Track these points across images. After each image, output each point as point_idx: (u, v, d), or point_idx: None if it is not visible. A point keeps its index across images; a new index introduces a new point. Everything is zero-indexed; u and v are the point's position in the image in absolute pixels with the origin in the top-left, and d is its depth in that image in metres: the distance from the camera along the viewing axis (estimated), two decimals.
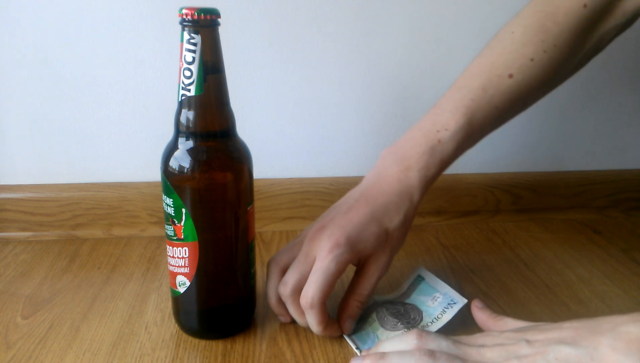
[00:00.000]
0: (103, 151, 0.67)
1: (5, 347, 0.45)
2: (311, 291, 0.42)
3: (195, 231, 0.42)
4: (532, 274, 0.59)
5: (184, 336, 0.47)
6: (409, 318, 0.47)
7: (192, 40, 0.40)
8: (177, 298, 0.46)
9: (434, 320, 0.47)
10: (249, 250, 0.46)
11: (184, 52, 0.40)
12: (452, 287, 0.49)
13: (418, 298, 0.50)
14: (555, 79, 0.51)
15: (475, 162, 0.73)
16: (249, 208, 0.45)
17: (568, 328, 0.36)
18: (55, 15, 0.62)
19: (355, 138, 0.70)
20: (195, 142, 0.42)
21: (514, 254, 0.64)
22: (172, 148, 0.43)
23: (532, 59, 0.48)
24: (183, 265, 0.44)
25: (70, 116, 0.65)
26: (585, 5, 0.47)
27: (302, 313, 0.44)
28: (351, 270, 0.47)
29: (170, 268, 0.45)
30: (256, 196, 0.67)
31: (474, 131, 0.47)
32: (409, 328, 0.46)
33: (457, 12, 0.67)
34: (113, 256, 0.62)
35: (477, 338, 0.38)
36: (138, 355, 0.44)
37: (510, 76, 0.47)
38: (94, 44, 0.63)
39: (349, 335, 0.46)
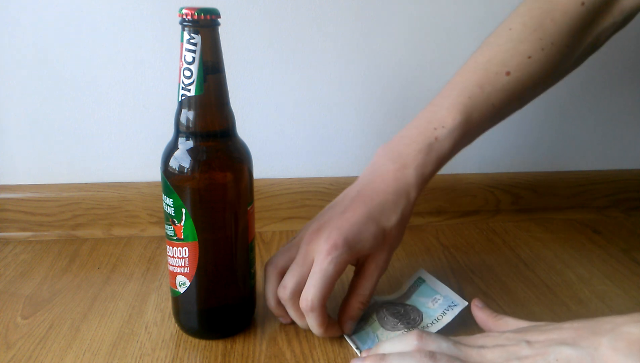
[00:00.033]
0: (103, 151, 0.67)
1: (5, 347, 0.45)
2: (311, 295, 0.42)
3: (195, 231, 0.42)
4: (532, 274, 0.59)
5: (184, 336, 0.47)
6: (409, 318, 0.47)
7: (192, 41, 0.40)
8: (177, 298, 0.46)
9: (434, 322, 0.47)
10: (249, 250, 0.46)
11: (184, 52, 0.40)
12: (452, 289, 0.49)
13: (418, 300, 0.50)
14: (552, 77, 0.51)
15: (475, 162, 0.73)
16: (249, 208, 0.45)
17: (568, 329, 0.36)
18: (55, 15, 0.62)
19: (355, 138, 0.70)
20: (195, 142, 0.42)
21: (514, 254, 0.64)
22: (172, 148, 0.43)
23: (529, 57, 0.47)
24: (183, 265, 0.44)
25: (70, 116, 0.65)
26: (583, 3, 0.47)
27: (302, 315, 0.44)
28: (350, 269, 0.46)
29: (170, 268, 0.45)
30: (256, 196, 0.67)
31: (471, 128, 0.47)
32: (409, 329, 0.46)
33: (457, 12, 0.67)
34: (113, 256, 0.62)
35: (477, 339, 0.38)
36: (138, 355, 0.44)
37: (508, 73, 0.47)
38: (94, 44, 0.63)
39: (349, 335, 0.47)
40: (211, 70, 0.41)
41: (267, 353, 0.45)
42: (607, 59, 0.71)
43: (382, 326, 0.47)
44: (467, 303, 0.47)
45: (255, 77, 0.66)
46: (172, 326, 0.48)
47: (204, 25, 0.40)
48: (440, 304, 0.48)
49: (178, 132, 0.42)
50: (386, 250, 0.45)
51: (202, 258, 0.43)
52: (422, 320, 0.47)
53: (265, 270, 0.47)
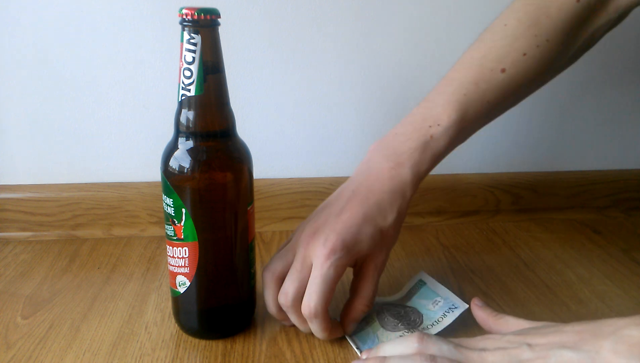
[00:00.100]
0: (103, 151, 0.67)
1: (5, 347, 0.45)
2: (313, 301, 0.42)
3: (195, 231, 0.42)
4: (532, 274, 0.59)
5: (184, 336, 0.47)
6: (410, 320, 0.47)
7: (192, 41, 0.40)
8: (177, 298, 0.45)
9: (435, 323, 0.47)
10: (249, 250, 0.46)
11: (184, 52, 0.40)
12: (452, 289, 0.49)
13: (419, 302, 0.50)
14: (547, 74, 0.50)
15: (475, 162, 0.73)
16: (249, 208, 0.45)
17: (570, 332, 0.35)
18: (55, 15, 0.62)
19: (355, 138, 0.70)
20: (195, 142, 0.42)
21: (514, 254, 0.64)
22: (172, 147, 0.43)
23: (524, 54, 0.47)
24: (183, 265, 0.44)
25: (70, 116, 0.65)
26: (578, 0, 0.47)
27: (305, 321, 0.44)
28: (350, 269, 0.46)
29: (170, 268, 0.45)
30: (256, 196, 0.67)
31: (466, 125, 0.47)
32: (409, 329, 0.46)
33: (457, 12, 0.67)
34: (113, 256, 0.62)
35: (478, 342, 0.38)
36: (138, 355, 0.44)
37: (503, 70, 0.47)
38: (94, 44, 0.63)
39: (350, 335, 0.46)
40: (211, 70, 0.41)
41: (267, 353, 0.45)
42: (607, 59, 0.71)
43: (383, 326, 0.47)
44: (467, 305, 0.47)
45: (255, 77, 0.66)
46: (172, 326, 0.48)
47: (204, 25, 0.40)
48: (440, 306, 0.48)
49: (178, 132, 0.42)
50: (384, 250, 0.45)
51: (202, 258, 0.43)
52: (422, 322, 0.47)
53: (263, 277, 0.46)
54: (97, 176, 0.67)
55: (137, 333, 0.47)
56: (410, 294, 0.51)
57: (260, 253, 0.63)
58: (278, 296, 0.44)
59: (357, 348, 0.45)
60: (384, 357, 0.38)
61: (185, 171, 0.42)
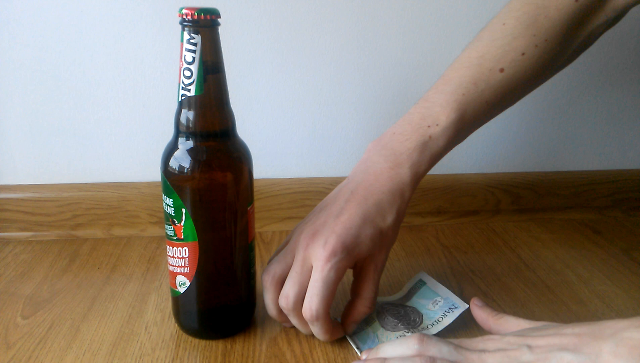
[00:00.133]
0: (103, 151, 0.67)
1: (5, 347, 0.45)
2: (315, 305, 0.41)
3: (195, 231, 0.42)
4: (532, 274, 0.59)
5: (184, 336, 0.47)
6: (410, 320, 0.47)
7: (192, 41, 0.40)
8: (177, 298, 0.45)
9: (434, 323, 0.47)
10: (249, 250, 0.46)
11: (184, 52, 0.40)
12: (452, 289, 0.49)
13: (419, 302, 0.50)
14: (545, 73, 0.50)
15: (475, 162, 0.73)
16: (249, 208, 0.45)
17: (570, 334, 0.35)
18: (55, 15, 0.62)
19: (355, 138, 0.70)
20: (195, 142, 0.42)
21: (514, 254, 0.64)
22: (172, 147, 0.43)
23: (523, 53, 0.47)
24: (183, 265, 0.44)
25: (70, 116, 0.65)
26: (576, 0, 0.47)
27: (306, 323, 0.44)
28: (349, 270, 0.46)
29: (170, 268, 0.45)
30: (256, 196, 0.67)
31: (464, 125, 0.47)
32: (409, 329, 0.46)
33: (457, 12, 0.67)
34: (113, 256, 0.62)
35: (478, 343, 0.38)
36: (138, 355, 0.44)
37: (502, 70, 0.47)
38: (94, 44, 0.63)
39: (350, 335, 0.46)
40: (211, 70, 0.41)
41: (267, 354, 0.45)
42: (607, 59, 0.71)
43: (383, 326, 0.47)
44: (467, 305, 0.47)
45: (255, 77, 0.66)
46: (172, 326, 0.48)
47: (204, 25, 0.40)
48: (440, 306, 0.48)
49: (178, 132, 0.42)
50: (383, 251, 0.45)
51: (202, 258, 0.43)
52: (422, 322, 0.47)
53: (262, 280, 0.46)
54: (97, 176, 0.67)
55: (137, 333, 0.47)
56: (410, 294, 0.51)
57: (260, 253, 0.63)
58: (279, 300, 0.44)
59: (357, 348, 0.45)
60: (384, 358, 0.38)
61: (185, 171, 0.42)
